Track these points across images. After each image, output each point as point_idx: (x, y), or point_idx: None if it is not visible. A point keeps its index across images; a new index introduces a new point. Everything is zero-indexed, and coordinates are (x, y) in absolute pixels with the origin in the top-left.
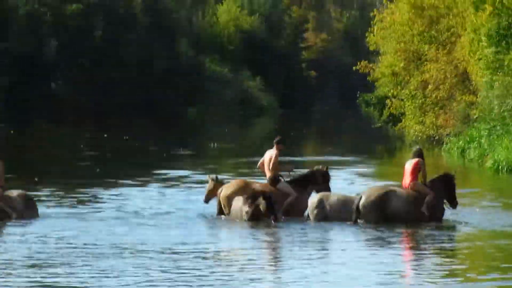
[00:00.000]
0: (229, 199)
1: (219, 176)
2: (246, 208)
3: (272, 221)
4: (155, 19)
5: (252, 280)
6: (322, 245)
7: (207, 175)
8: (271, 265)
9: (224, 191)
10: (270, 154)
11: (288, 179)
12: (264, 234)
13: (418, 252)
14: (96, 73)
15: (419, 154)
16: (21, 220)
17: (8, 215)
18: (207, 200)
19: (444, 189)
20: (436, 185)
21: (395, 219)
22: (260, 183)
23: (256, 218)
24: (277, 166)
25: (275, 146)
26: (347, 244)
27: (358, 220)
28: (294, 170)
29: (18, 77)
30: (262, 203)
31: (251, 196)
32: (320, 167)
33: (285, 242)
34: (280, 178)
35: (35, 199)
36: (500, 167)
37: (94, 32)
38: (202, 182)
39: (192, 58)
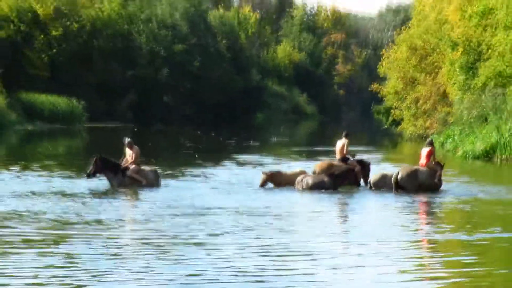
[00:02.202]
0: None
1: (270, 169)
2: (326, 179)
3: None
4: (234, 54)
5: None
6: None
7: (261, 172)
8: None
9: (317, 169)
10: (342, 142)
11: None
12: (346, 199)
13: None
14: (194, 91)
15: (431, 143)
16: (150, 188)
17: (142, 183)
18: (262, 186)
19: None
20: (438, 166)
21: (421, 188)
22: (337, 162)
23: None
24: (347, 150)
25: (344, 137)
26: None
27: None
28: (356, 155)
29: (142, 93)
30: (358, 171)
31: (345, 169)
32: (366, 159)
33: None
34: (349, 157)
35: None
36: (467, 155)
37: (193, 63)
38: (265, 164)
39: (259, 81)
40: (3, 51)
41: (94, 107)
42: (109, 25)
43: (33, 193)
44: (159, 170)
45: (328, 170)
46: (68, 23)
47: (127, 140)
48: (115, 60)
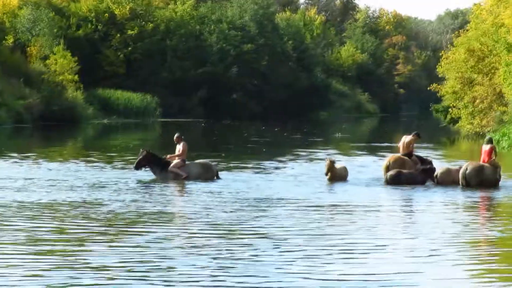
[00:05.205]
0: (388, 168)
1: (333, 158)
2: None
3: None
4: (300, 54)
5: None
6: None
7: (326, 157)
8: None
9: (391, 162)
10: (409, 138)
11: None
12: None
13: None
14: (261, 88)
15: (491, 141)
16: (196, 181)
17: (182, 177)
18: (327, 173)
19: None
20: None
21: (486, 183)
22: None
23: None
24: (411, 147)
25: (412, 135)
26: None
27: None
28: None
29: (212, 90)
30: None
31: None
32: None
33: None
34: (413, 153)
35: (215, 165)
36: None
37: (261, 62)
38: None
39: (324, 80)
40: (82, 49)
41: (167, 103)
42: (181, 25)
43: (93, 184)
44: (224, 164)
45: (401, 163)
46: (143, 23)
47: (176, 134)
48: (187, 58)
